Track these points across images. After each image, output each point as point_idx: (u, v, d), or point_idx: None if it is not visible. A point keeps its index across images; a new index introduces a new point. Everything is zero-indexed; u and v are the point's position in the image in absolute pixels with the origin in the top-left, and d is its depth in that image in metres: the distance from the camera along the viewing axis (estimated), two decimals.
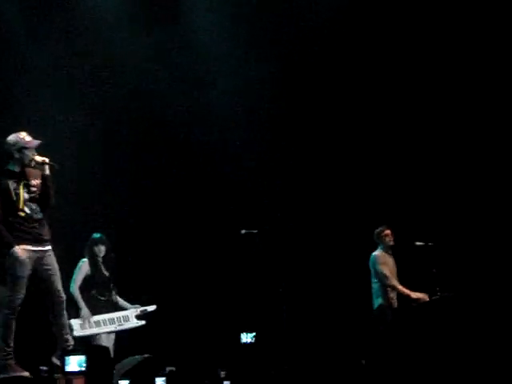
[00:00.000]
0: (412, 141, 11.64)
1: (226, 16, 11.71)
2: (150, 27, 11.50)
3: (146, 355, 8.32)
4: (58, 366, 7.26)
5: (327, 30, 11.62)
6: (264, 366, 9.27)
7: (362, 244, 10.36)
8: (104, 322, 8.94)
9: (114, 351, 8.93)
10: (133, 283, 10.36)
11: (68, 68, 11.23)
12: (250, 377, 9.20)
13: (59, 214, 8.32)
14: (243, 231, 9.64)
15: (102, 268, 9.22)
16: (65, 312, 7.47)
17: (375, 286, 9.86)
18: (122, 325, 8.95)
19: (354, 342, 10.06)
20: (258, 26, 11.75)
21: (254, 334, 9.42)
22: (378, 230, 10.01)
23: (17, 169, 7.33)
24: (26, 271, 7.24)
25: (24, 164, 7.33)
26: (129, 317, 9.03)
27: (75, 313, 8.81)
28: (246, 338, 9.43)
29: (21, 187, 7.27)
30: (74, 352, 7.21)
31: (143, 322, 9.07)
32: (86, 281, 9.13)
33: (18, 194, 7.22)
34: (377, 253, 9.95)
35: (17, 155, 7.33)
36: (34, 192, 7.33)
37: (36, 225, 7.32)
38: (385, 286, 9.76)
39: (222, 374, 9.03)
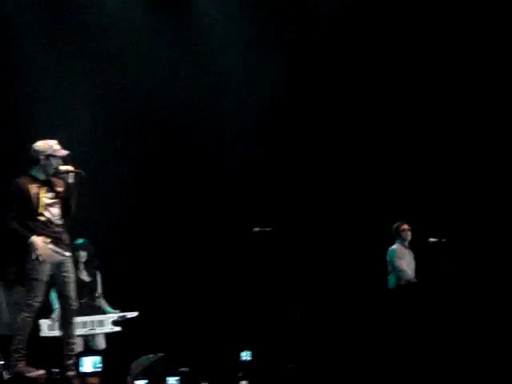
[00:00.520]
0: (428, 137, 11.62)
1: (233, 9, 11.73)
2: (159, 22, 11.50)
3: (159, 354, 8.31)
4: (70, 366, 7.16)
5: (336, 30, 11.69)
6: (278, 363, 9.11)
7: (377, 243, 10.40)
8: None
9: (127, 351, 8.89)
10: (142, 286, 10.48)
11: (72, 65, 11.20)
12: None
13: None
14: (256, 229, 9.49)
15: (83, 273, 9.22)
16: (74, 321, 7.37)
17: (392, 279, 9.92)
18: (93, 329, 8.92)
19: (370, 343, 9.91)
20: (265, 23, 11.73)
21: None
22: (396, 225, 10.10)
23: (40, 175, 7.24)
24: (46, 274, 7.14)
25: (47, 172, 7.24)
26: (104, 322, 8.99)
27: (48, 314, 8.74)
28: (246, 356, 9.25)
29: (42, 192, 7.17)
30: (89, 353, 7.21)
31: (118, 329, 9.00)
32: None
33: (38, 199, 7.13)
34: (394, 247, 10.05)
35: (42, 162, 7.24)
36: (55, 198, 7.24)
37: (56, 229, 7.22)
38: (401, 280, 9.80)
39: None
